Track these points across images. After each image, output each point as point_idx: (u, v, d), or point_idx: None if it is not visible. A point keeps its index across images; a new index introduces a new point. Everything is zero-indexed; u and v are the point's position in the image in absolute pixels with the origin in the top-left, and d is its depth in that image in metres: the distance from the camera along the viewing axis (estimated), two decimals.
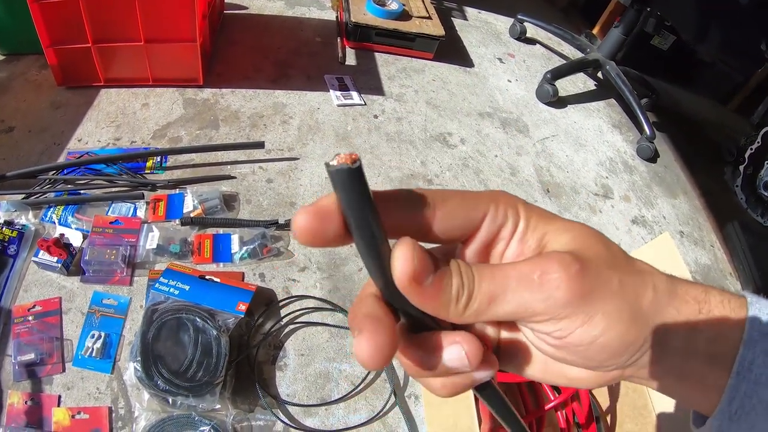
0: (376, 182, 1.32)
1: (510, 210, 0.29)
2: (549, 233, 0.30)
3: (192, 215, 1.09)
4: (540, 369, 0.33)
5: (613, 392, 0.91)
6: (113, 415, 0.83)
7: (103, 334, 0.90)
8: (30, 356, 0.85)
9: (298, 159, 1.32)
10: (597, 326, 0.27)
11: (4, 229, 0.98)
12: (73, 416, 0.81)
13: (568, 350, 0.29)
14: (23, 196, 1.06)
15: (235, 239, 1.08)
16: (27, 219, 1.02)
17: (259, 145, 1.27)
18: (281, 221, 1.13)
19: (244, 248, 1.06)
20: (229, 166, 1.25)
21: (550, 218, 0.31)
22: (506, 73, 1.95)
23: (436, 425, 0.88)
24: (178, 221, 1.08)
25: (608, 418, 0.91)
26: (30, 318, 0.90)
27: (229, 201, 1.16)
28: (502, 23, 2.29)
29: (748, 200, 1.73)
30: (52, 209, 1.05)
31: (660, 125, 1.99)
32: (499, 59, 2.02)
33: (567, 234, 0.30)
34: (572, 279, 0.27)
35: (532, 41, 2.24)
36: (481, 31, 2.18)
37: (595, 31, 2.42)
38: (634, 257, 0.31)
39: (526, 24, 2.17)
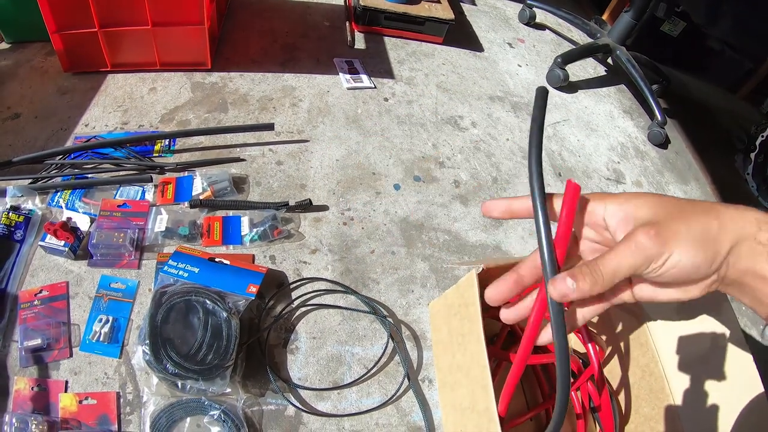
0: (387, 164, 1.30)
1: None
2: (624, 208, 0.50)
3: (201, 197, 1.07)
4: (651, 290, 0.53)
5: (629, 376, 0.89)
6: (121, 400, 0.81)
7: (110, 318, 0.89)
8: (37, 341, 0.83)
9: (309, 141, 1.30)
10: (673, 259, 0.45)
11: (10, 214, 0.97)
12: (80, 402, 0.80)
13: (665, 278, 0.47)
14: (30, 181, 1.05)
15: (245, 221, 1.07)
16: (34, 204, 1.01)
17: (269, 127, 1.25)
18: (291, 203, 1.11)
19: (255, 230, 1.05)
20: (238, 149, 1.23)
21: (607, 197, 0.52)
22: (516, 58, 1.92)
23: (451, 407, 0.86)
24: (187, 204, 1.07)
25: (623, 402, 0.89)
26: (36, 303, 0.89)
27: (239, 183, 1.15)
28: (511, 8, 2.27)
29: (759, 188, 1.71)
30: (59, 194, 1.04)
31: (670, 111, 1.96)
32: (509, 44, 2.00)
33: (645, 208, 0.49)
34: (652, 239, 0.45)
35: (541, 26, 2.21)
36: (490, 16, 2.16)
37: (604, 16, 2.39)
38: (698, 200, 0.49)
39: (535, 9, 2.15)
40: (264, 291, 0.97)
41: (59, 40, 1.22)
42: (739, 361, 0.72)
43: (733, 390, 0.71)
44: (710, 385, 0.74)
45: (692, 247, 0.44)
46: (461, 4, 2.18)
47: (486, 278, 0.71)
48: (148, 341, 0.80)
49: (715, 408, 0.72)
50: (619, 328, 0.85)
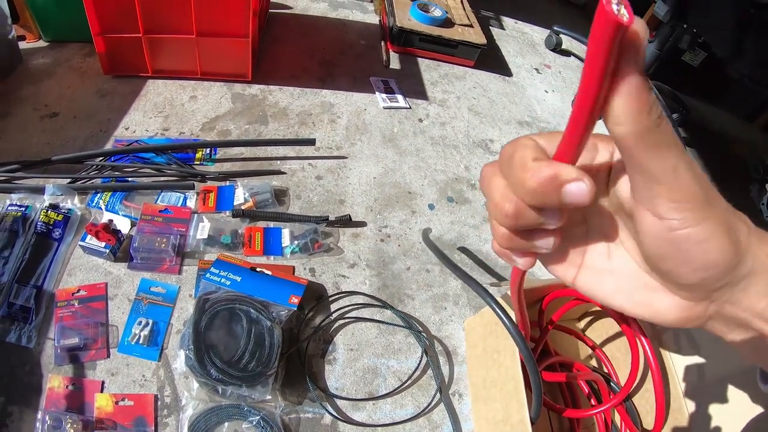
0: (422, 184, 1.32)
1: None
2: None
3: (243, 208, 1.09)
4: (627, 297, 0.37)
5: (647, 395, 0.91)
6: (159, 402, 0.82)
7: (150, 322, 0.89)
8: (73, 340, 0.84)
9: (347, 158, 1.32)
10: (707, 229, 0.30)
11: (49, 212, 0.98)
12: (116, 402, 0.80)
13: (675, 245, 0.31)
14: (69, 180, 1.06)
15: (285, 233, 1.08)
16: (73, 203, 1.02)
17: (311, 142, 1.27)
18: (331, 218, 1.13)
19: (295, 242, 1.06)
20: (278, 162, 1.25)
21: None
22: (543, 84, 1.95)
23: (484, 420, 0.87)
24: (228, 213, 1.08)
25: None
26: (74, 302, 0.90)
27: (280, 196, 1.16)
28: (538, 34, 2.30)
29: None
30: (99, 195, 1.05)
31: (688, 141, 1.98)
32: (536, 69, 2.03)
33: None
34: (703, 180, 0.30)
35: (567, 53, 2.24)
36: (518, 41, 2.19)
37: None
38: None
39: (561, 36, 2.18)
40: (303, 302, 0.97)
41: (102, 42, 1.24)
42: (756, 384, 0.73)
43: (750, 412, 0.72)
44: (727, 407, 0.76)
45: (728, 232, 0.31)
46: (491, 28, 2.21)
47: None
48: (192, 346, 0.81)
49: (731, 429, 0.74)
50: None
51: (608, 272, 0.38)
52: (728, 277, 0.31)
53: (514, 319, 0.73)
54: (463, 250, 1.19)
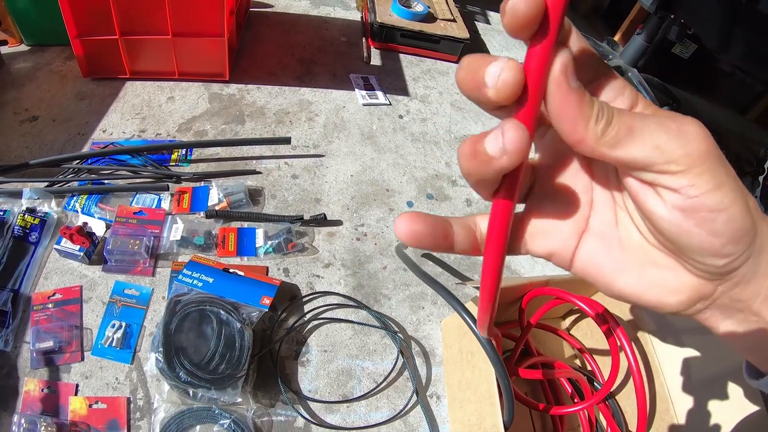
0: (401, 181, 1.31)
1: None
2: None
3: (217, 208, 1.08)
4: (635, 277, 0.32)
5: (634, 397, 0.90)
6: (131, 405, 0.82)
7: (123, 324, 0.89)
8: (48, 344, 0.84)
9: (324, 156, 1.31)
10: (728, 195, 0.27)
11: (26, 216, 0.98)
12: (90, 405, 0.80)
13: (697, 216, 0.27)
14: (46, 184, 1.06)
15: (259, 233, 1.08)
16: (50, 207, 1.02)
17: (286, 140, 1.26)
18: (306, 217, 1.12)
19: (269, 243, 1.05)
20: (254, 161, 1.24)
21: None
22: None
23: (459, 423, 0.87)
24: (202, 214, 1.08)
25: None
26: (50, 306, 0.89)
27: (254, 195, 1.15)
28: None
29: (767, 211, 1.69)
30: (75, 198, 1.05)
31: None
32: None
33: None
34: (709, 138, 0.27)
35: None
36: (504, 35, 2.16)
37: (616, 37, 2.40)
38: None
39: None
40: (277, 303, 0.97)
41: (80, 45, 1.24)
42: (743, 385, 0.73)
43: (737, 413, 0.72)
44: (714, 407, 0.75)
45: (744, 199, 0.28)
46: (476, 22, 2.20)
47: None
48: (161, 349, 0.80)
49: (719, 430, 0.73)
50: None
51: (617, 243, 0.33)
52: (750, 249, 0.28)
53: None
54: (428, 256, 1.18)
